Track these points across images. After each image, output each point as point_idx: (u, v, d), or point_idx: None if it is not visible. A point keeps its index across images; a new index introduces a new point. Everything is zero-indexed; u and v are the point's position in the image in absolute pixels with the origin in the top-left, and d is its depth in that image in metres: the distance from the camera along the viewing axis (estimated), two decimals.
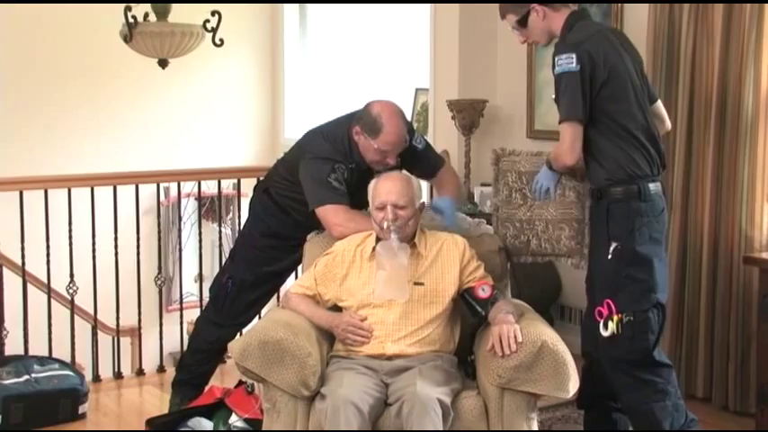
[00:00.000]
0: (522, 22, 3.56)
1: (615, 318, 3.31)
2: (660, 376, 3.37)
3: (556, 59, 3.38)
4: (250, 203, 4.12)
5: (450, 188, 3.91)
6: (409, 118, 6.29)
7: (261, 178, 5.42)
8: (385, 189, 3.32)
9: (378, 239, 3.35)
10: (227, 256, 4.30)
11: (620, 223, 3.35)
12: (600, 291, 3.41)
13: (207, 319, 4.17)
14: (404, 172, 3.53)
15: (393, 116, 3.58)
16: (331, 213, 3.55)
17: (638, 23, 4.71)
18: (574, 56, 3.33)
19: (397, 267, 3.23)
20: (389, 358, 3.23)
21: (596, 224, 3.46)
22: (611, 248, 3.34)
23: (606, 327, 3.33)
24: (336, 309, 3.42)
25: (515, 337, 3.06)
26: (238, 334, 4.18)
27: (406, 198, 3.30)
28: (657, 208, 3.43)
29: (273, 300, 4.54)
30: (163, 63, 5.24)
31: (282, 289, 4.13)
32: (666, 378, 3.39)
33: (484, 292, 3.29)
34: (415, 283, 3.28)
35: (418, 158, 3.78)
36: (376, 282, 3.26)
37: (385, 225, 3.27)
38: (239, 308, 4.05)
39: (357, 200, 3.61)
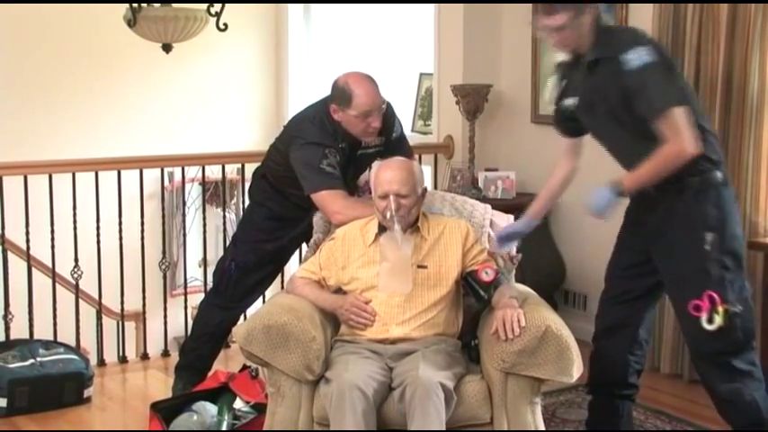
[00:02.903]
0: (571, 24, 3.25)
1: (720, 309, 3.17)
2: (755, 364, 3.29)
3: (624, 57, 3.12)
4: (249, 190, 4.14)
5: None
6: (413, 103, 6.31)
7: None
8: (387, 178, 3.30)
9: (380, 225, 3.36)
10: (230, 241, 4.31)
11: (715, 212, 3.21)
12: (693, 285, 3.23)
13: (210, 302, 4.18)
14: (405, 159, 3.52)
15: (359, 80, 3.64)
16: (329, 200, 3.56)
17: (642, 9, 4.70)
18: (647, 48, 3.12)
19: (401, 259, 3.25)
20: (393, 342, 3.24)
21: (682, 217, 3.25)
22: (709, 239, 3.19)
23: (711, 320, 3.16)
24: (341, 294, 3.42)
25: (519, 321, 3.06)
26: (242, 317, 4.20)
27: (408, 186, 3.29)
28: (734, 193, 3.35)
29: (278, 285, 4.55)
30: (167, 48, 5.23)
31: (287, 273, 4.14)
32: (759, 364, 3.31)
33: (487, 276, 3.30)
34: (419, 266, 3.29)
35: (393, 146, 3.83)
36: (380, 274, 3.28)
37: (388, 215, 3.27)
38: (242, 290, 4.06)
39: (353, 177, 3.72)
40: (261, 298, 4.31)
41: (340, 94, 3.61)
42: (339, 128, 3.66)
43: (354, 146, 3.73)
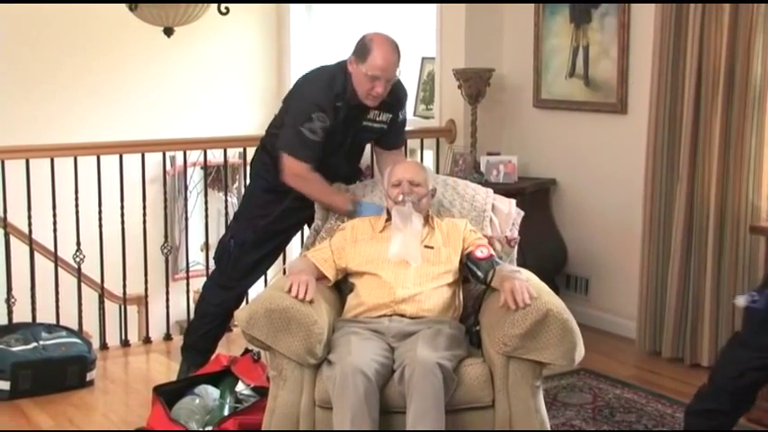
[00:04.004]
0: None
1: None
2: None
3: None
4: (251, 163, 4.18)
5: None
6: (415, 87, 6.30)
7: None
8: (401, 169, 3.54)
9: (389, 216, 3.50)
10: (233, 217, 4.33)
11: None
12: None
13: (212, 282, 4.21)
14: (418, 161, 3.62)
15: (384, 43, 3.66)
16: (294, 163, 3.72)
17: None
18: None
19: (412, 231, 3.38)
20: (395, 315, 3.27)
21: None
22: None
23: None
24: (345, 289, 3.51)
25: (528, 290, 3.09)
26: (245, 300, 4.21)
27: (421, 178, 3.50)
28: None
29: (280, 268, 4.55)
30: (168, 31, 5.22)
31: (290, 254, 4.13)
32: None
33: (482, 254, 3.40)
34: (426, 246, 3.43)
35: (395, 129, 3.90)
36: (392, 242, 3.39)
37: (400, 198, 3.43)
38: (242, 269, 4.05)
39: (351, 145, 3.78)
40: (262, 279, 4.31)
41: (360, 47, 3.66)
42: (350, 82, 3.68)
43: (360, 111, 3.75)
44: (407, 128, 5.82)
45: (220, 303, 4.12)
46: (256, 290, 4.19)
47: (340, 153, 3.87)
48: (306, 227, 4.17)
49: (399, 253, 3.36)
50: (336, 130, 3.72)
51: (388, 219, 3.51)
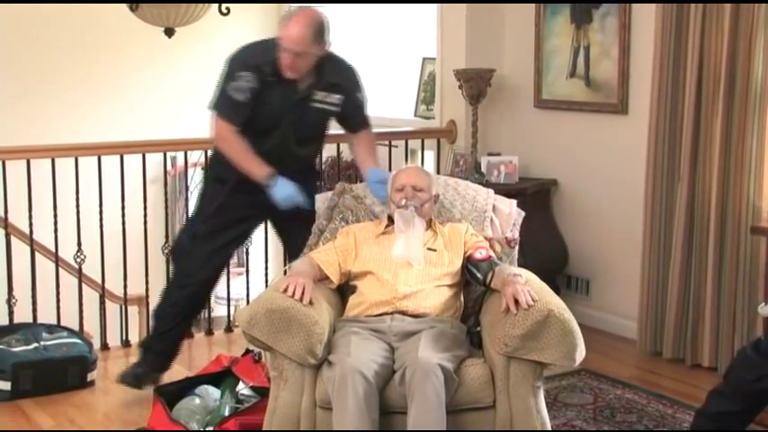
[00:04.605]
0: None
1: None
2: None
3: None
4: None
5: (374, 158, 4.04)
6: (416, 87, 6.30)
7: None
8: (405, 174, 3.59)
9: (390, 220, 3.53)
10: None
11: None
12: None
13: (170, 282, 4.22)
14: (422, 166, 3.64)
15: (301, 17, 3.68)
16: (220, 125, 3.83)
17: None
18: None
19: (415, 234, 3.41)
20: (396, 313, 3.28)
21: None
22: None
23: None
24: (346, 290, 3.51)
25: (530, 294, 3.10)
26: (204, 302, 4.26)
27: (424, 183, 3.54)
28: None
29: (280, 270, 4.55)
30: (169, 32, 5.23)
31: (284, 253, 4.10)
32: None
33: (481, 255, 3.42)
34: (428, 249, 3.45)
35: (354, 111, 3.95)
36: (395, 245, 3.40)
37: (403, 202, 3.46)
38: (195, 262, 4.02)
39: (300, 124, 3.80)
40: (216, 276, 4.16)
41: (283, 18, 3.73)
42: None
43: (306, 92, 3.78)
44: (407, 128, 5.90)
45: (175, 303, 4.10)
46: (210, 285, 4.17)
47: (288, 136, 3.85)
48: (272, 227, 4.18)
49: (402, 255, 3.38)
50: (273, 102, 3.75)
51: (389, 224, 3.53)
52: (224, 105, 3.79)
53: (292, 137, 3.89)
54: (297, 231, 3.90)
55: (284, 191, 3.76)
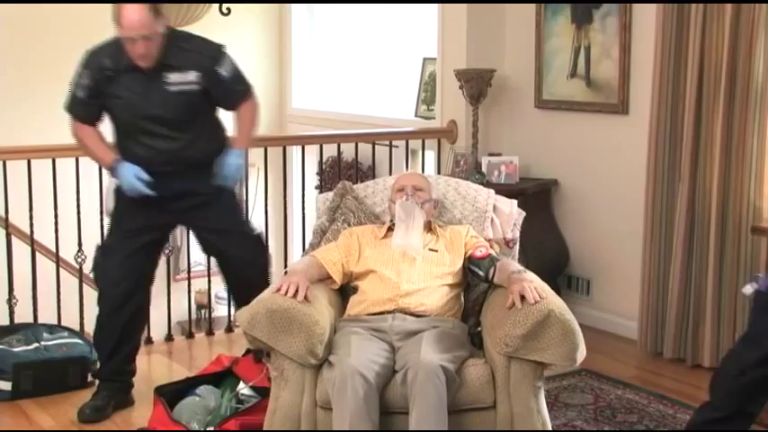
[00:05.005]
0: None
1: None
2: None
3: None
4: None
5: (242, 134, 3.92)
6: (417, 87, 6.30)
7: (267, 148, 5.44)
8: (405, 177, 3.71)
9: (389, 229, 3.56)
10: None
11: None
12: None
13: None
14: (422, 170, 3.67)
15: (127, 5, 3.57)
16: (71, 122, 3.88)
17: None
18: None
19: (415, 224, 3.44)
20: (398, 312, 3.29)
21: None
22: None
23: None
24: (348, 290, 3.53)
25: (537, 291, 3.10)
26: (142, 316, 4.14)
27: (424, 185, 3.61)
28: None
29: (281, 269, 4.55)
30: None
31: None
32: None
33: (480, 253, 3.45)
34: (430, 249, 3.47)
35: (219, 88, 3.76)
36: (394, 234, 3.44)
37: (404, 198, 3.50)
38: (106, 275, 3.93)
39: (162, 109, 3.68)
40: (136, 289, 3.97)
41: (113, 14, 3.63)
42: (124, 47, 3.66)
43: (156, 75, 3.67)
44: (408, 128, 5.90)
45: (103, 327, 3.98)
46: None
47: (157, 128, 3.73)
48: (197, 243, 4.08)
49: (402, 244, 3.41)
50: (124, 95, 3.70)
51: (390, 228, 3.54)
52: (71, 103, 3.84)
53: (163, 127, 3.74)
54: (227, 241, 3.89)
55: (125, 178, 3.72)
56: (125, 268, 3.90)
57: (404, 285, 3.34)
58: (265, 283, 3.74)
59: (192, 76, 3.69)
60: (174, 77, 3.68)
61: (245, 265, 3.98)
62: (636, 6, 4.85)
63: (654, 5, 4.60)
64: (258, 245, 4.09)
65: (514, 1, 5.46)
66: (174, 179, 3.79)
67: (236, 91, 3.84)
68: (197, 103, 3.75)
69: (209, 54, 3.75)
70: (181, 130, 3.76)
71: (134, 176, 3.71)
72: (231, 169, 3.84)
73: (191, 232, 4.22)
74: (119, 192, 3.89)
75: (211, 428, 3.59)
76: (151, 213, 3.86)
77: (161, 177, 3.75)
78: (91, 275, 4.28)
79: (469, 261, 3.45)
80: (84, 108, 3.81)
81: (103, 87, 3.73)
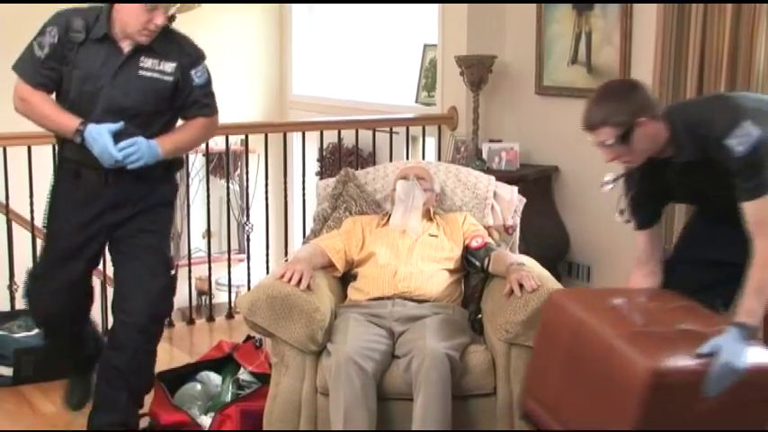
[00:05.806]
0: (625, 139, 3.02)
1: None
2: None
3: (729, 143, 2.77)
4: None
5: (174, 136, 3.43)
6: (417, 74, 6.29)
7: (267, 135, 5.44)
8: (408, 167, 3.73)
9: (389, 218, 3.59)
10: None
11: None
12: None
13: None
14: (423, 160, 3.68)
15: None
16: (20, 85, 3.28)
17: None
18: (747, 123, 2.76)
19: (414, 204, 3.48)
20: (397, 297, 3.30)
21: None
22: None
23: None
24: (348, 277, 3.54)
25: (534, 280, 3.12)
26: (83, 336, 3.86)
27: (426, 175, 3.64)
28: None
29: (282, 256, 4.56)
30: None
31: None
32: None
33: (476, 243, 3.48)
34: (430, 235, 3.50)
35: (186, 90, 3.40)
36: (393, 213, 3.49)
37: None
38: (39, 308, 3.63)
39: (131, 97, 3.28)
40: (72, 311, 3.66)
41: None
42: (111, 20, 3.26)
43: (131, 52, 3.28)
44: (409, 115, 5.89)
45: (55, 352, 3.88)
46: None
47: (107, 116, 3.24)
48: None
49: (400, 224, 3.45)
50: (86, 65, 3.25)
51: (389, 218, 3.56)
52: (26, 61, 3.28)
53: (116, 117, 3.24)
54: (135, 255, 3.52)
55: (99, 141, 3.16)
56: (50, 300, 3.53)
57: (402, 268, 3.36)
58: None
59: (168, 67, 3.33)
60: (149, 63, 3.30)
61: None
62: (635, 16, 4.84)
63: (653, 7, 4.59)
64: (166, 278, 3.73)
65: None
66: (110, 186, 3.36)
67: (202, 104, 3.48)
68: (162, 98, 3.35)
69: (191, 51, 3.43)
70: (134, 125, 3.27)
71: (109, 134, 3.19)
72: (123, 148, 3.21)
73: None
74: (55, 196, 3.45)
75: (212, 414, 3.60)
76: (85, 229, 3.45)
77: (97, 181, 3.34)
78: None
79: (466, 251, 3.48)
80: (38, 70, 3.26)
81: (67, 51, 3.25)
